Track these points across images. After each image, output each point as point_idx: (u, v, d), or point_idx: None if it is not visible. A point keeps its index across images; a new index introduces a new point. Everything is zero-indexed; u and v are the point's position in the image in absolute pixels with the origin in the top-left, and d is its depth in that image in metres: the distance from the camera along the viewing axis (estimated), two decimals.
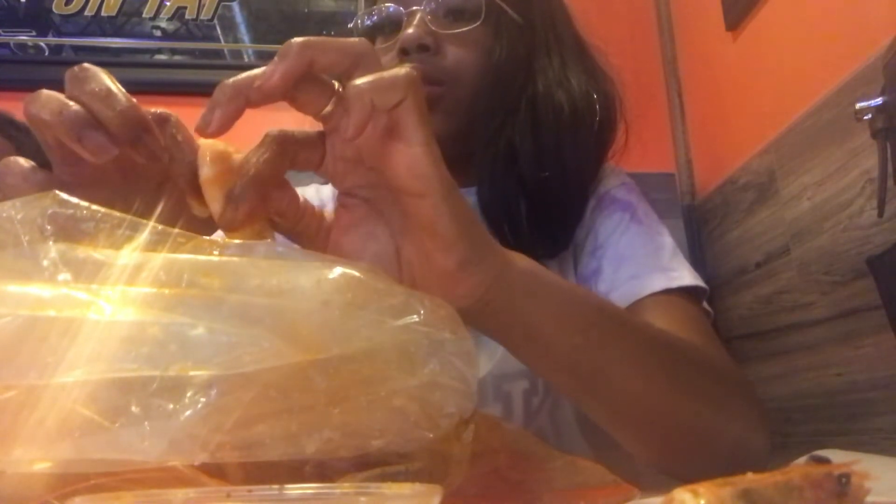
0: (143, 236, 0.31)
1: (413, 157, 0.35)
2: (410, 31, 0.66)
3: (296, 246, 0.40)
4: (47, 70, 1.64)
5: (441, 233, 0.36)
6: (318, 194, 0.81)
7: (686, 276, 0.64)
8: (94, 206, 0.31)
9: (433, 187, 0.35)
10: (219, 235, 0.37)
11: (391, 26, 0.70)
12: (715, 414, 0.50)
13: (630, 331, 0.48)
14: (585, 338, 0.44)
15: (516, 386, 0.67)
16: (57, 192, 0.31)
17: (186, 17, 1.73)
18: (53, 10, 1.68)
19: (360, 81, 0.33)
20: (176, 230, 0.31)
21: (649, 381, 0.47)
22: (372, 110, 0.33)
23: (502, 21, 0.69)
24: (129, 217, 0.31)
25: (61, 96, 0.35)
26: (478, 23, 0.68)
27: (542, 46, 0.72)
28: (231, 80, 0.35)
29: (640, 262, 0.65)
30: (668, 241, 0.69)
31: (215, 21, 1.73)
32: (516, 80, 0.69)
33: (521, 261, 0.42)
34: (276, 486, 0.23)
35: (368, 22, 0.72)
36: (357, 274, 0.31)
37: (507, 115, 0.68)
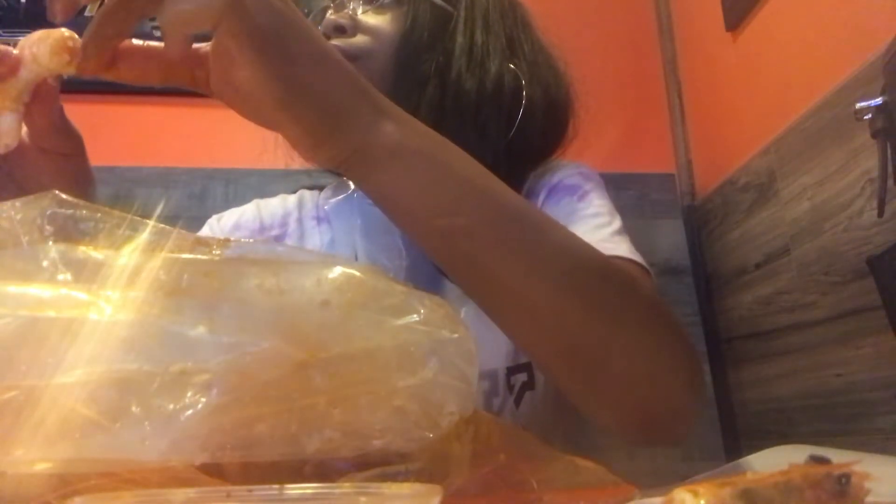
0: (143, 236, 0.31)
1: (242, 79, 0.40)
2: (329, 14, 0.70)
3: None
4: None
5: (286, 133, 0.42)
6: (282, 203, 0.82)
7: (624, 249, 0.63)
8: (94, 206, 0.31)
9: (265, 102, 0.40)
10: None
11: (322, 12, 0.73)
12: (628, 341, 0.46)
13: (522, 228, 0.45)
14: (450, 222, 0.43)
15: (480, 385, 0.67)
16: (57, 192, 0.31)
17: None
18: None
19: (167, 13, 0.39)
20: (176, 230, 0.31)
21: (537, 282, 0.44)
22: (185, 38, 0.40)
23: (420, 2, 0.71)
24: (129, 217, 0.31)
25: None
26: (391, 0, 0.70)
27: (465, 32, 0.72)
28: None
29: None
30: (613, 221, 0.68)
31: None
32: (428, 61, 0.70)
33: (392, 135, 0.43)
34: (276, 486, 0.22)
35: (305, 10, 0.75)
36: (357, 273, 0.31)
37: (420, 97, 0.69)
